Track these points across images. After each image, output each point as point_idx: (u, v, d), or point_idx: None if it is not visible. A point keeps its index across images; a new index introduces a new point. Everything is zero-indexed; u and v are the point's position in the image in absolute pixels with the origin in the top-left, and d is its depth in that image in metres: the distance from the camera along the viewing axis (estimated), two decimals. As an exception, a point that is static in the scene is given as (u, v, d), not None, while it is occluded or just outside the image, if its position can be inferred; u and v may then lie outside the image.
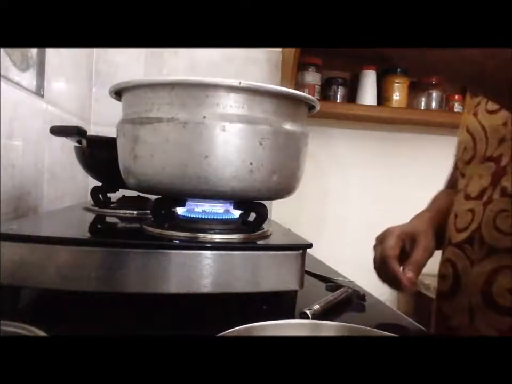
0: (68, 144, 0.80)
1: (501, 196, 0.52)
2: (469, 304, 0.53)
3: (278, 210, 1.21)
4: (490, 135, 0.56)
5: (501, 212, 0.51)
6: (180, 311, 0.50)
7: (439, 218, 0.64)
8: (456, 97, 1.48)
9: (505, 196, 0.51)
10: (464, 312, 0.54)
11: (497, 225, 0.51)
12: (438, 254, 0.61)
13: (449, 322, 0.57)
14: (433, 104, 1.47)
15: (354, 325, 0.37)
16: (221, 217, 0.57)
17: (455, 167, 0.69)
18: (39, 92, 0.84)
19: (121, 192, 0.81)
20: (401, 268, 0.56)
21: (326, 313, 0.50)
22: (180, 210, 0.58)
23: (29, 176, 0.82)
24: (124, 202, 0.77)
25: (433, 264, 0.59)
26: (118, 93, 0.56)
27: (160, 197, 0.56)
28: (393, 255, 0.56)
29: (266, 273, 0.50)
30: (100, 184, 0.81)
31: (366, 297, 0.60)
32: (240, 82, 0.48)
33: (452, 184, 0.72)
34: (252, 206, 0.56)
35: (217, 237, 0.51)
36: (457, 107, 1.48)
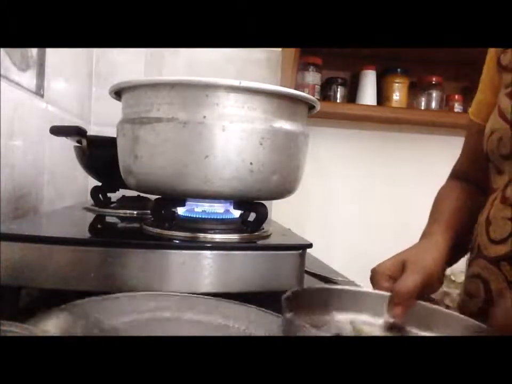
0: (68, 144, 0.80)
1: None
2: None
3: (278, 210, 1.21)
4: None
5: None
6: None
7: (452, 232, 0.52)
8: (456, 97, 1.48)
9: None
10: None
11: None
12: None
13: None
14: (433, 104, 1.47)
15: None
16: (221, 217, 0.57)
17: (471, 158, 0.59)
18: (39, 91, 0.84)
19: (121, 192, 0.81)
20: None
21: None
22: (180, 210, 0.58)
23: (29, 176, 0.82)
24: (124, 202, 0.77)
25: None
26: (118, 93, 0.56)
27: (160, 197, 0.56)
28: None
29: (266, 273, 0.50)
30: (100, 184, 0.81)
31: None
32: (240, 82, 0.48)
33: (458, 174, 0.62)
34: (252, 206, 0.56)
35: (217, 237, 0.51)
36: (457, 107, 1.48)
